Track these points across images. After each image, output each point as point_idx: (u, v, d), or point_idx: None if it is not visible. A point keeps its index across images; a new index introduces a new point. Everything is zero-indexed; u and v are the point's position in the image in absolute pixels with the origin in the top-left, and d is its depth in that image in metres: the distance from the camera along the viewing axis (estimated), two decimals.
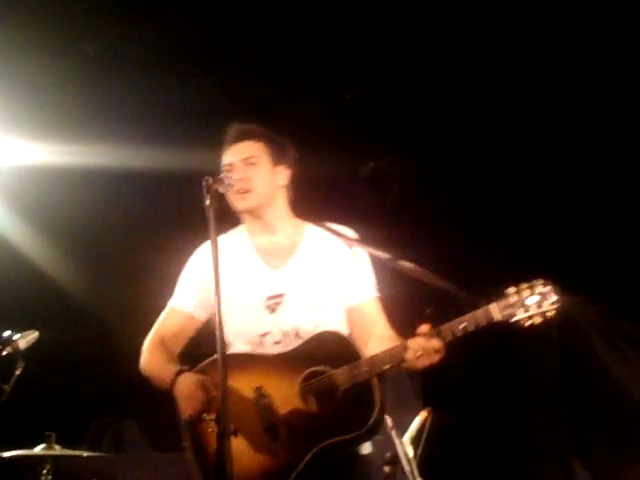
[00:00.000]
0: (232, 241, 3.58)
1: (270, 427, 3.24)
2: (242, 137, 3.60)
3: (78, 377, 7.11)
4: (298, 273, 3.53)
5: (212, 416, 3.09)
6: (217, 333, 2.98)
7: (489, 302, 3.16)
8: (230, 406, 3.19)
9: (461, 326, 3.16)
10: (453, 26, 5.38)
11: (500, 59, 5.57)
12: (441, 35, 5.47)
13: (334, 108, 6.06)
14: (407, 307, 4.36)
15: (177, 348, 3.61)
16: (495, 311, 3.14)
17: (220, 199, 3.18)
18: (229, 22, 5.41)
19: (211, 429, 3.16)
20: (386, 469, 5.36)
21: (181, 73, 5.63)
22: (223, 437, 2.86)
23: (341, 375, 3.21)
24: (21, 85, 5.52)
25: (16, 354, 4.66)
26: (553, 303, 3.14)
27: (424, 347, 3.17)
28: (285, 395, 3.23)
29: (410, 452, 5.07)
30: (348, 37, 5.45)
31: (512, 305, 3.14)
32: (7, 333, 4.73)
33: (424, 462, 5.18)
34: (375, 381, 3.22)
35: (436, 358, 3.21)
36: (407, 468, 3.51)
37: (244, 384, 3.31)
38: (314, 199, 3.83)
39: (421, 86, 5.86)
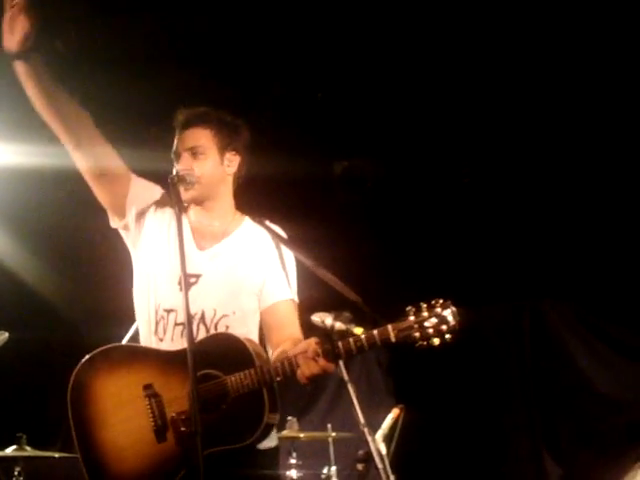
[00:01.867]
0: (171, 216, 3.44)
1: (158, 428, 3.15)
2: (190, 123, 3.50)
3: (49, 378, 7.06)
4: (221, 258, 3.45)
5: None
6: (186, 329, 2.97)
7: (388, 322, 3.11)
8: (117, 401, 3.22)
9: (356, 344, 3.10)
10: (428, 27, 5.38)
11: (477, 66, 5.59)
12: (416, 35, 5.47)
13: (306, 106, 6.04)
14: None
15: None
16: (391, 332, 3.08)
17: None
18: (196, 23, 5.39)
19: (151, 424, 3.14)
20: (359, 466, 5.40)
21: (150, 73, 5.60)
22: (196, 436, 2.84)
23: (232, 382, 3.12)
24: None
25: None
26: (451, 326, 3.08)
27: (310, 366, 3.10)
28: (174, 396, 3.13)
29: (383, 449, 5.11)
30: (322, 35, 5.44)
31: (409, 327, 3.08)
32: None
33: (397, 459, 5.22)
34: (265, 392, 3.12)
35: (319, 372, 3.13)
36: (380, 465, 3.46)
37: (134, 379, 3.22)
38: (275, 196, 3.77)
39: (401, 86, 5.86)
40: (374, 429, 5.02)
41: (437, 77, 5.75)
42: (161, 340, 3.34)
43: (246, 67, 5.65)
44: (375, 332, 3.09)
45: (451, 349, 6.95)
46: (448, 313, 3.09)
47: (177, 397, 3.10)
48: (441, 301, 3.13)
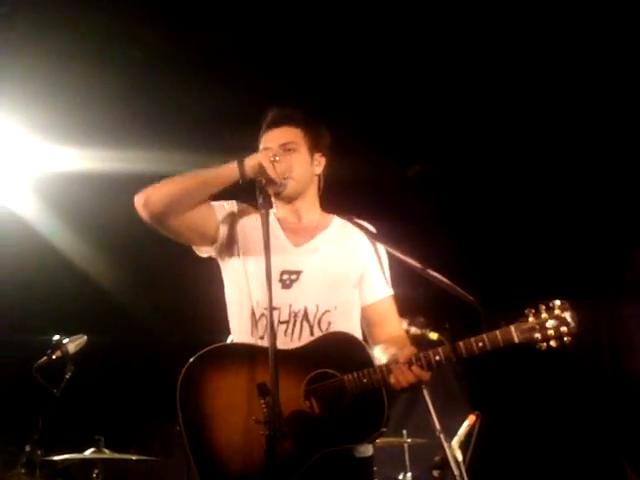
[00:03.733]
0: (259, 217, 3.32)
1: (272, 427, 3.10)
2: (281, 121, 3.50)
3: (126, 381, 7.16)
4: (318, 253, 3.43)
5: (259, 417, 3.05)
6: (268, 328, 2.96)
7: (508, 323, 3.08)
8: (230, 399, 3.18)
9: (479, 345, 3.08)
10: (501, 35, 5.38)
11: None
12: (488, 41, 5.45)
13: (381, 110, 6.03)
14: (416, 305, 4.39)
15: None
16: (515, 333, 3.06)
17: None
18: (267, 29, 5.41)
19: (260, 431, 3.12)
20: (435, 473, 5.34)
21: (222, 82, 5.64)
22: (274, 440, 2.83)
23: (350, 381, 3.10)
24: (67, 90, 5.56)
25: (65, 358, 4.70)
26: (570, 328, 3.06)
27: (405, 374, 3.08)
28: (289, 395, 3.06)
29: (459, 456, 5.04)
30: (397, 39, 5.43)
31: (531, 329, 3.06)
32: (56, 337, 4.78)
33: (473, 466, 5.15)
34: (384, 391, 3.10)
35: (415, 381, 3.10)
36: (456, 472, 3.45)
37: (247, 378, 3.18)
38: (351, 198, 3.75)
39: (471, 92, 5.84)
40: (450, 436, 4.96)
41: (510, 82, 5.71)
42: (262, 338, 3.30)
43: (321, 71, 5.66)
44: (498, 332, 3.07)
45: (529, 355, 6.85)
46: (568, 315, 3.07)
47: (292, 396, 3.07)
48: (558, 302, 3.10)
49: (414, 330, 4.59)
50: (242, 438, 3.17)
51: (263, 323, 3.32)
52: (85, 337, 4.87)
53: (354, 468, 3.23)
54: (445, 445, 3.60)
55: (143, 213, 3.40)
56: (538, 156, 6.29)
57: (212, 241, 3.47)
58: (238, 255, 3.44)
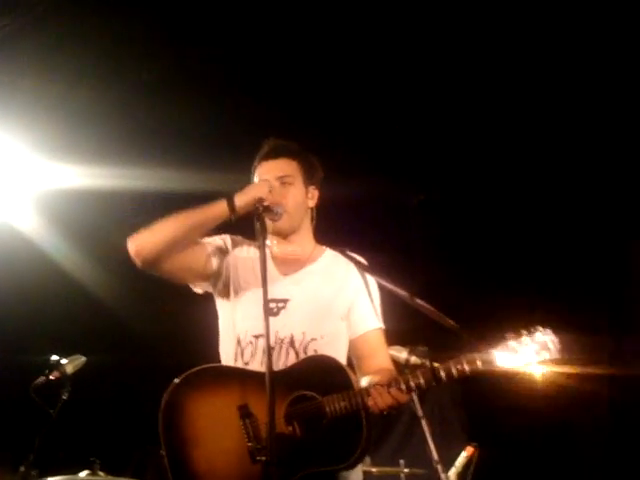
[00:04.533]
0: (253, 247, 3.48)
1: (252, 448, 3.11)
2: (278, 153, 3.52)
3: (124, 403, 7.12)
4: (306, 282, 3.45)
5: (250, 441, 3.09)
6: (265, 347, 2.99)
7: (489, 346, 3.10)
8: (213, 421, 3.21)
9: (457, 368, 3.09)
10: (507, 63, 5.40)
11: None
12: (492, 70, 5.47)
13: (384, 139, 6.05)
14: (405, 336, 4.39)
15: None
16: (495, 357, 3.08)
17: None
18: (279, 53, 5.44)
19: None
20: None
21: (229, 102, 5.66)
22: (271, 466, 2.83)
23: (330, 404, 3.10)
24: (73, 110, 5.59)
25: (63, 379, 4.68)
26: (552, 353, 3.07)
27: (383, 396, 3.10)
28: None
29: None
30: (400, 68, 5.46)
31: (511, 353, 3.08)
32: (54, 358, 4.76)
33: None
34: (363, 414, 3.09)
35: (393, 404, 3.11)
36: None
37: (229, 400, 3.20)
38: (350, 224, 3.77)
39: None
40: (446, 466, 4.93)
41: (514, 111, 5.73)
42: (247, 364, 3.34)
43: (323, 99, 5.68)
44: (477, 355, 3.09)
45: (528, 387, 6.84)
46: (549, 339, 3.08)
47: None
48: (540, 328, 3.11)
49: (414, 359, 4.57)
50: (223, 461, 3.18)
51: (249, 350, 3.36)
52: (83, 358, 4.85)
53: None
54: (442, 476, 3.58)
55: (136, 261, 3.43)
56: (542, 184, 6.30)
57: (206, 277, 3.50)
58: (229, 286, 3.47)
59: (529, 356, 3.07)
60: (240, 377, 3.30)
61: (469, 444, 5.55)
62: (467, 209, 6.68)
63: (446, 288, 6.09)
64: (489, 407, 7.14)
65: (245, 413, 3.16)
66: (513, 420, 7.04)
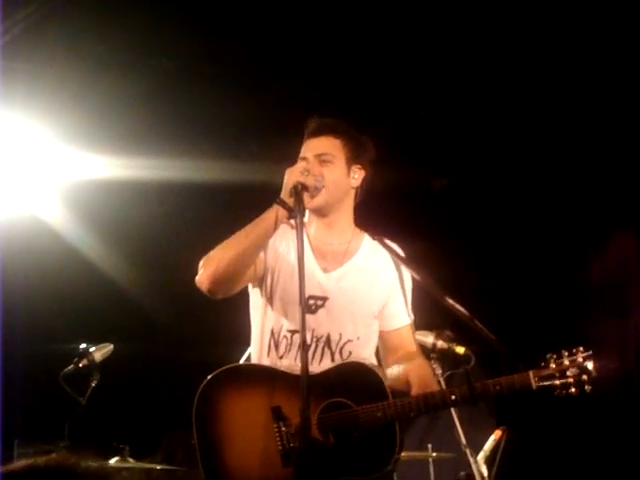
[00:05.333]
0: (293, 237, 3.34)
1: (285, 451, 3.12)
2: (321, 131, 3.48)
3: (152, 390, 7.16)
4: (345, 281, 3.42)
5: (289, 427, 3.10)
6: (300, 339, 2.96)
7: (527, 368, 3.09)
8: (245, 420, 3.22)
9: (496, 388, 3.09)
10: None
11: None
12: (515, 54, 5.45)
13: (408, 122, 6.02)
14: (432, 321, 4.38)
15: None
16: (533, 380, 3.07)
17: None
18: (302, 38, 5.43)
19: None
20: None
21: (254, 89, 5.66)
22: (305, 452, 2.86)
23: (364, 413, 3.10)
24: (96, 99, 5.60)
25: (92, 366, 4.71)
26: (591, 377, 3.06)
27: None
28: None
29: (484, 471, 5.00)
30: (427, 52, 5.44)
31: (549, 375, 3.06)
32: (83, 346, 4.79)
33: None
34: (397, 425, 3.10)
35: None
36: None
37: (262, 400, 3.21)
38: (378, 211, 3.75)
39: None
40: (475, 450, 4.93)
41: (536, 96, 5.70)
42: (280, 358, 3.33)
43: (350, 84, 5.66)
44: (515, 377, 3.08)
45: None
46: (590, 364, 3.07)
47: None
48: (582, 349, 3.09)
49: (441, 344, 4.58)
50: (254, 461, 3.18)
51: (284, 344, 3.35)
52: (111, 346, 4.88)
53: None
54: (471, 460, 3.58)
55: (213, 295, 3.38)
56: (566, 172, 6.26)
57: (253, 279, 3.46)
58: (267, 280, 3.43)
59: (569, 380, 3.06)
60: (274, 377, 3.28)
61: (497, 428, 5.54)
62: (491, 195, 6.64)
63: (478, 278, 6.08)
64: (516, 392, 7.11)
65: (278, 415, 3.16)
66: (542, 403, 7.01)
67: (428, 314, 3.89)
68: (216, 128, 5.90)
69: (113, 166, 5.94)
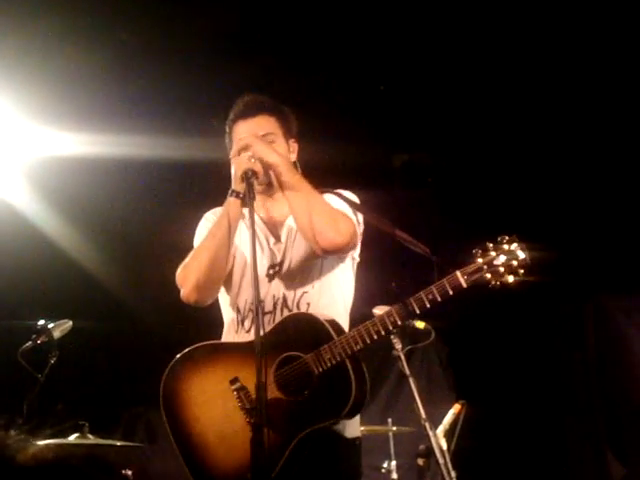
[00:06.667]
0: (245, 223, 3.43)
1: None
2: (255, 111, 3.48)
3: (111, 366, 7.14)
4: (294, 242, 3.44)
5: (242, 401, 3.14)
6: (255, 316, 2.96)
7: (457, 268, 3.05)
8: (207, 398, 3.27)
9: (428, 297, 3.04)
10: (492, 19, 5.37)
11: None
12: (477, 27, 5.44)
13: (369, 98, 6.01)
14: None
15: None
16: (461, 278, 3.03)
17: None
18: (260, 14, 5.38)
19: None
20: (420, 461, 5.36)
21: (213, 64, 5.61)
22: (260, 428, 2.84)
23: (314, 360, 3.11)
24: (54, 74, 5.52)
25: (50, 343, 4.68)
26: (521, 261, 3.02)
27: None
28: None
29: (444, 444, 5.06)
30: (385, 26, 5.41)
31: (478, 269, 3.03)
32: (41, 322, 4.76)
33: (458, 455, 5.16)
34: (348, 363, 3.10)
35: None
36: (441, 460, 3.43)
37: (220, 376, 3.25)
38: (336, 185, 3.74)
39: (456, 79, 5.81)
40: (434, 424, 4.97)
41: (496, 68, 5.70)
42: (247, 332, 3.36)
43: (310, 58, 5.63)
44: (445, 280, 3.04)
45: (513, 345, 6.88)
46: (516, 247, 3.04)
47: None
48: (506, 237, 3.06)
49: None
50: (224, 436, 3.23)
51: (249, 319, 3.38)
52: (70, 322, 4.85)
53: (342, 450, 3.27)
54: (430, 433, 3.59)
55: (202, 304, 3.44)
56: (529, 145, 6.28)
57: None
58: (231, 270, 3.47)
59: (499, 269, 3.03)
60: (229, 350, 3.34)
61: (456, 402, 5.60)
62: (452, 170, 6.66)
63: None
64: (476, 366, 7.19)
65: (237, 386, 3.19)
66: (500, 378, 7.10)
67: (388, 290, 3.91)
68: (178, 104, 5.85)
69: (74, 142, 5.87)
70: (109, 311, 6.94)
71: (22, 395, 4.53)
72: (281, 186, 3.36)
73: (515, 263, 3.03)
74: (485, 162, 6.48)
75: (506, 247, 3.04)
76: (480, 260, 3.05)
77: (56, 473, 1.60)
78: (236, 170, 3.31)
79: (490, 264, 3.04)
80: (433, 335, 4.73)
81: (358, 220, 3.46)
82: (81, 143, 5.88)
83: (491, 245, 3.06)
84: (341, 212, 3.35)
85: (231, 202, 3.32)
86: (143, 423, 6.79)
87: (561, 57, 5.54)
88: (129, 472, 5.09)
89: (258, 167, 3.30)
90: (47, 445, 1.67)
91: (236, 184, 3.30)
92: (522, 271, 3.02)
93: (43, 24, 5.20)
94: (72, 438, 5.02)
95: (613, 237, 6.60)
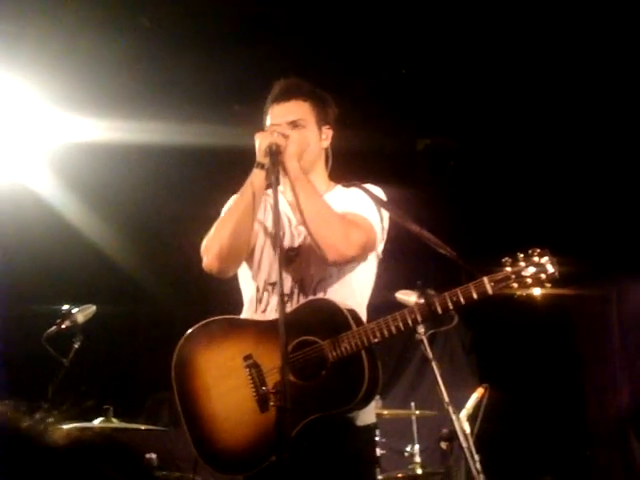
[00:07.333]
0: (269, 197, 3.44)
1: (260, 397, 3.17)
2: (289, 95, 3.47)
3: (135, 351, 7.18)
4: None
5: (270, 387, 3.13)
6: (278, 293, 2.98)
7: (485, 274, 3.04)
8: (219, 373, 3.28)
9: (452, 299, 3.06)
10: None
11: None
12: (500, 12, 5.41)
13: (390, 82, 5.99)
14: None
15: None
16: (488, 285, 3.03)
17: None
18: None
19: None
20: (443, 445, 5.35)
21: (235, 49, 5.60)
22: (284, 411, 2.86)
23: (330, 347, 3.11)
24: (78, 60, 5.53)
25: (74, 328, 4.70)
26: (549, 275, 3.01)
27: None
28: (274, 365, 3.07)
29: (467, 428, 5.05)
30: (409, 10, 5.39)
31: (505, 278, 3.03)
32: (65, 307, 4.78)
33: (481, 439, 5.16)
34: (364, 354, 3.10)
35: None
36: (464, 444, 3.43)
37: (234, 351, 3.27)
38: (364, 171, 3.74)
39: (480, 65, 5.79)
40: (457, 408, 4.97)
41: (520, 54, 5.66)
42: (263, 312, 3.37)
43: (333, 42, 5.61)
44: (471, 285, 3.04)
45: (536, 328, 6.86)
46: (546, 261, 3.03)
47: (277, 366, 3.03)
48: (538, 250, 3.05)
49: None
50: (232, 411, 3.25)
51: (265, 298, 3.39)
52: (94, 307, 4.87)
53: (354, 436, 3.26)
54: (453, 417, 3.58)
55: (224, 274, 3.42)
56: (550, 130, 6.25)
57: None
58: (253, 247, 3.47)
59: (526, 280, 3.02)
60: (246, 327, 3.36)
61: (480, 385, 5.59)
62: (474, 154, 6.64)
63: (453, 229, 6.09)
64: (499, 350, 7.18)
65: (250, 363, 3.22)
66: (524, 361, 7.09)
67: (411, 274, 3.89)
68: (199, 89, 5.85)
69: (96, 128, 5.88)
70: (132, 296, 6.98)
71: (47, 380, 4.56)
72: (294, 194, 3.34)
73: (543, 276, 3.03)
74: (509, 148, 6.46)
75: (536, 259, 3.04)
76: (509, 269, 3.05)
77: (79, 456, 1.61)
78: (260, 143, 3.31)
79: (518, 274, 3.04)
80: (456, 319, 4.72)
81: (382, 217, 3.44)
82: (104, 129, 5.89)
83: (521, 256, 3.06)
84: (354, 222, 3.33)
85: (255, 173, 3.32)
86: (167, 407, 6.82)
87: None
88: (153, 456, 5.12)
89: (282, 140, 3.31)
90: (70, 428, 1.67)
91: (260, 157, 3.31)
92: (549, 285, 3.03)
93: (66, 10, 5.21)
94: (97, 422, 5.06)
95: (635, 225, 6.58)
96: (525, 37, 5.49)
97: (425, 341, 3.41)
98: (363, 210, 3.40)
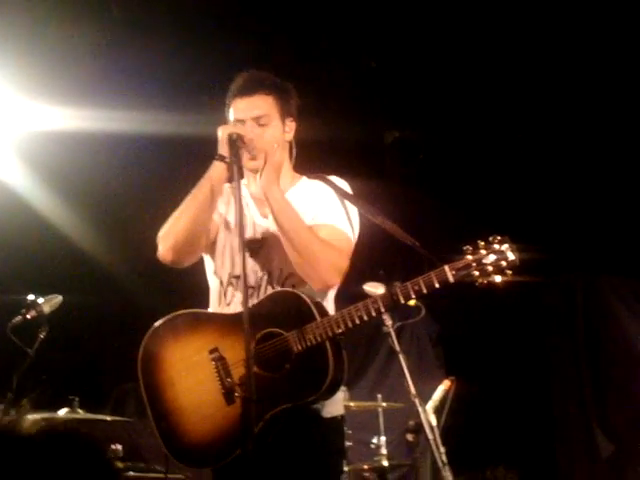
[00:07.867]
0: (232, 189, 3.40)
1: (226, 390, 3.17)
2: (252, 89, 3.42)
3: (101, 342, 7.14)
4: None
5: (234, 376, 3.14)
6: (242, 287, 3.00)
7: (447, 262, 3.05)
8: (185, 367, 3.27)
9: (414, 288, 3.04)
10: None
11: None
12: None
13: (359, 75, 5.99)
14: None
15: None
16: (449, 273, 3.02)
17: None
18: None
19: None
20: (409, 437, 5.39)
21: (204, 39, 5.58)
22: (249, 402, 2.86)
23: (295, 338, 3.11)
24: (45, 49, 5.48)
25: (40, 318, 4.66)
26: (510, 262, 3.02)
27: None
28: (240, 357, 3.04)
29: (433, 420, 5.08)
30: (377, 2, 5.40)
31: (466, 266, 3.03)
32: (31, 297, 4.74)
33: (447, 431, 5.19)
34: (328, 345, 3.09)
35: None
36: (430, 436, 3.46)
37: (200, 345, 3.27)
38: (332, 162, 3.73)
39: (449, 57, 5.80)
40: (424, 400, 4.99)
41: (488, 45, 5.68)
42: (228, 305, 3.36)
43: (301, 35, 5.61)
44: (432, 274, 3.04)
45: (502, 322, 6.91)
46: (506, 248, 3.04)
47: (242, 359, 3.02)
48: (498, 237, 3.06)
49: None
50: (198, 405, 3.25)
51: (230, 291, 3.38)
52: (60, 297, 4.82)
53: (321, 428, 3.25)
54: (420, 409, 3.60)
55: (178, 265, 3.42)
56: (516, 122, 6.28)
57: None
58: (216, 240, 3.46)
59: (487, 267, 3.03)
60: (212, 321, 3.35)
61: (446, 378, 5.62)
62: (442, 147, 6.66)
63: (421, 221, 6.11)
64: (465, 343, 7.22)
65: (216, 356, 3.21)
66: (489, 354, 7.13)
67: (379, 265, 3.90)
68: (168, 78, 5.82)
69: (64, 117, 5.84)
70: (99, 286, 6.93)
71: (12, 370, 4.52)
72: (277, 223, 3.30)
73: (504, 264, 3.03)
74: (476, 141, 6.48)
75: (497, 247, 3.04)
76: (470, 257, 3.05)
77: (45, 446, 1.61)
78: (222, 135, 3.29)
79: (479, 262, 3.04)
80: (423, 312, 4.75)
81: (351, 218, 3.41)
82: (72, 118, 5.85)
83: (482, 243, 3.06)
84: (336, 247, 3.30)
85: (215, 165, 3.30)
86: (133, 398, 6.79)
87: (557, 38, 5.53)
88: (119, 447, 5.10)
89: (243, 131, 3.30)
90: (35, 419, 1.65)
91: (221, 148, 3.28)
92: (510, 272, 3.04)
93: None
94: (62, 413, 5.03)
95: (603, 220, 6.63)
96: (492, 29, 5.51)
97: (392, 334, 3.43)
98: (336, 219, 3.38)
